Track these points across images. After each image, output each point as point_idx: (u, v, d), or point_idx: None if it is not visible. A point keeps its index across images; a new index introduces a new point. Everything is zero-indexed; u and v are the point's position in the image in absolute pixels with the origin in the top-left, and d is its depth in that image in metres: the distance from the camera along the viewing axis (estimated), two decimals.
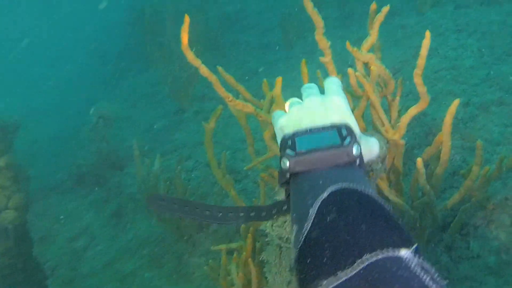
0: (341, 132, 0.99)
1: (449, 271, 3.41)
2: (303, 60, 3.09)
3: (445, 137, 2.67)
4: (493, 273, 3.26)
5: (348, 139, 0.97)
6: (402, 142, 2.96)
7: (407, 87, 4.69)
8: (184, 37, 2.50)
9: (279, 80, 2.88)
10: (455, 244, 3.45)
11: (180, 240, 4.77)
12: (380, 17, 2.78)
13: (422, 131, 4.17)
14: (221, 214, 1.16)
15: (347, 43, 2.90)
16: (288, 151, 0.98)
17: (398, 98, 3.04)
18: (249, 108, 2.89)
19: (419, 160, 2.66)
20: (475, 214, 3.50)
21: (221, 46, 9.32)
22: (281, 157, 0.99)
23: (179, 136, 6.61)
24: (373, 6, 3.00)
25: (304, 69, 3.07)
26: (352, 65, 5.33)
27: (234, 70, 7.82)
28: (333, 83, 1.24)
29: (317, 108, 1.11)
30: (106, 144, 6.51)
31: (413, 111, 2.81)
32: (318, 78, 3.26)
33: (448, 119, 2.62)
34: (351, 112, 1.13)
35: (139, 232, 5.25)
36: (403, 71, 5.30)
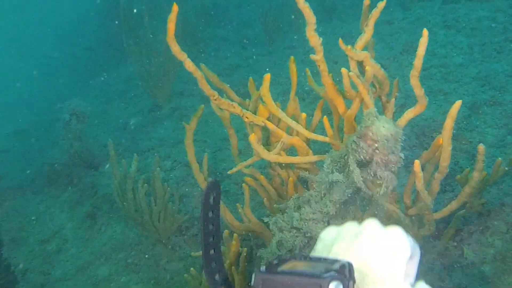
0: (332, 266, 0.81)
1: (442, 280, 3.26)
2: (292, 58, 2.89)
3: (445, 142, 2.49)
4: (489, 283, 3.12)
5: (330, 273, 0.78)
6: None
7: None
8: (171, 28, 2.29)
9: (267, 77, 2.67)
10: (448, 251, 3.30)
11: (158, 243, 4.56)
12: (376, 13, 2.59)
13: (413, 132, 4.01)
14: (216, 275, 0.97)
15: (340, 41, 2.70)
16: (263, 267, 0.85)
17: (393, 100, 2.86)
18: (236, 108, 2.68)
19: (416, 162, 2.47)
20: (470, 220, 3.35)
21: (199, 40, 9.05)
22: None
23: (156, 134, 6.35)
24: (367, 1, 2.82)
25: (293, 67, 2.88)
26: (337, 62, 5.10)
27: (213, 66, 7.57)
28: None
29: (368, 238, 0.91)
30: (79, 142, 6.21)
31: (409, 114, 2.62)
32: (307, 76, 3.08)
33: (449, 123, 2.44)
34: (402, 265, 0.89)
35: (114, 234, 5.01)
36: (390, 68, 5.15)
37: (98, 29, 12.43)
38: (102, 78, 9.81)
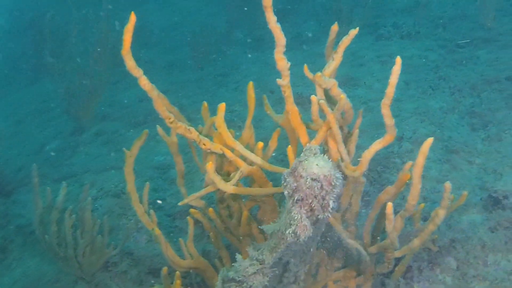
0: None
1: None
2: (250, 83, 2.71)
3: (415, 180, 2.37)
4: None
5: None
6: (363, 180, 2.66)
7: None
8: (127, 39, 2.04)
9: (221, 107, 2.48)
10: None
11: (79, 281, 4.11)
12: (347, 40, 2.48)
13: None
14: None
15: (305, 68, 2.58)
16: None
17: (357, 130, 2.74)
18: (193, 134, 2.44)
19: (389, 205, 2.35)
20: (419, 256, 3.28)
21: (121, 63, 8.64)
22: None
23: (77, 160, 5.87)
24: (335, 27, 2.71)
25: (251, 93, 2.69)
26: (274, 92, 4.94)
27: (139, 90, 7.19)
28: None
29: None
30: None
31: (377, 145, 2.51)
32: (264, 103, 2.90)
33: (420, 160, 2.32)
34: None
35: (28, 271, 4.48)
36: (333, 100, 5.09)
37: (13, 43, 11.60)
38: (15, 96, 9.08)
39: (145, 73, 7.38)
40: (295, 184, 1.82)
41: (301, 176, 1.80)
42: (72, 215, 3.55)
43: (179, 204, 2.74)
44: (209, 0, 11.79)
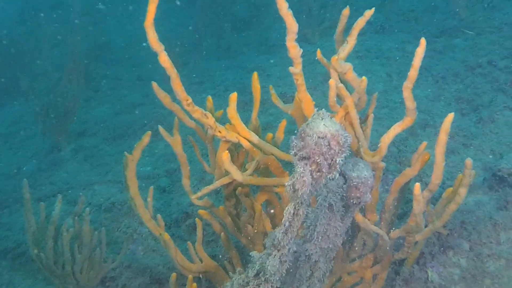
0: None
1: None
2: (255, 74, 2.65)
3: (438, 158, 2.34)
4: None
5: None
6: (382, 165, 2.61)
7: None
8: (151, 10, 1.99)
9: (233, 97, 2.42)
10: (413, 276, 3.16)
11: None
12: (362, 22, 2.47)
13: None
14: None
15: (318, 52, 2.58)
16: None
17: (371, 115, 2.72)
18: (209, 119, 2.36)
19: (417, 185, 2.31)
20: (429, 241, 3.26)
21: (91, 79, 8.46)
22: None
23: (58, 178, 5.66)
24: (346, 11, 2.70)
25: (256, 85, 2.63)
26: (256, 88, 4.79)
27: (113, 104, 7.08)
28: None
29: None
30: None
31: (396, 129, 2.47)
32: (271, 94, 2.85)
33: (443, 138, 2.29)
34: None
35: None
36: (314, 97, 5.06)
37: None
38: None
39: (114, 89, 7.21)
40: (302, 143, 1.76)
41: (308, 135, 1.75)
42: (69, 228, 3.39)
43: (192, 197, 2.65)
44: (173, 12, 11.70)
